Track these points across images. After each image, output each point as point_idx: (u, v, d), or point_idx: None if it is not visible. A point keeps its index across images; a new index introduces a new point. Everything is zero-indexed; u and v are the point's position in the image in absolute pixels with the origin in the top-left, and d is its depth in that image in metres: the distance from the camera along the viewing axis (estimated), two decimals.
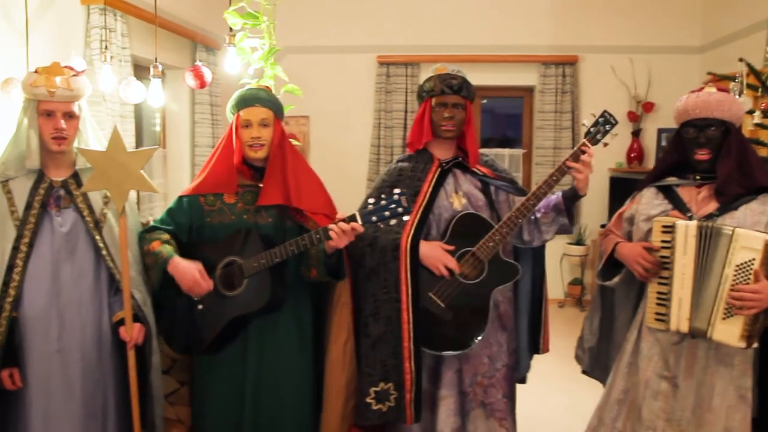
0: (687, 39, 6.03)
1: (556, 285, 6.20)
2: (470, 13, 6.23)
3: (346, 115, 6.45)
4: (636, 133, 6.09)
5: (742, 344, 2.04)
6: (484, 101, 6.72)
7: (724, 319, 2.05)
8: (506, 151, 6.42)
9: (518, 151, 6.42)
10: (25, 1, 2.73)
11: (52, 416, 2.21)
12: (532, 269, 2.75)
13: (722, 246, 2.06)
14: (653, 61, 6.02)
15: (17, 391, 2.18)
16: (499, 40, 6.19)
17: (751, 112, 2.97)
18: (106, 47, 3.17)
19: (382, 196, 2.18)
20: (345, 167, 6.28)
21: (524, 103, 6.49)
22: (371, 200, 2.18)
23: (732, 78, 3.05)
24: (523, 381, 2.84)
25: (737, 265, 2.04)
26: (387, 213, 2.15)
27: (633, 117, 6.07)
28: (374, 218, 2.16)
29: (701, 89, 2.22)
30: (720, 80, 3.49)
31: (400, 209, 2.14)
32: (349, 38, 6.35)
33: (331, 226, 2.18)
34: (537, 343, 2.75)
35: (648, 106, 6.02)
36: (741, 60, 2.92)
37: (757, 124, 3.02)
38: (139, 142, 5.14)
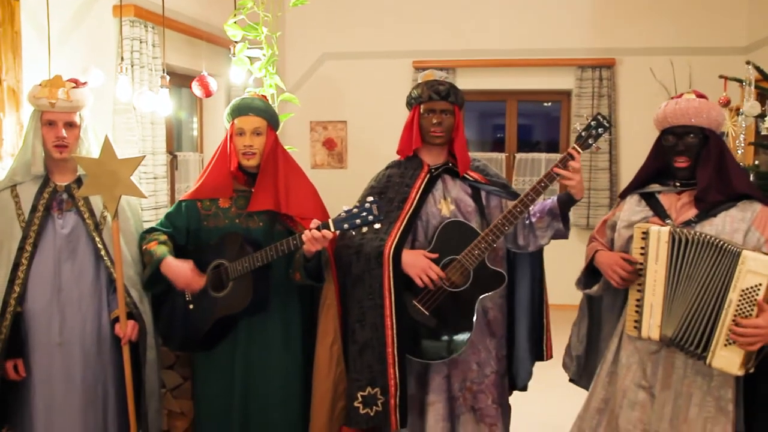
0: (731, 39, 5.82)
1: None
2: (505, 17, 6.21)
3: (383, 119, 6.51)
4: None
5: (741, 372, 1.98)
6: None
7: (725, 346, 1.97)
8: (543, 155, 6.35)
9: (555, 155, 6.34)
10: (47, 14, 2.92)
11: (54, 405, 2.38)
12: (530, 274, 2.73)
13: (723, 263, 1.99)
14: (695, 62, 5.83)
15: (22, 381, 2.35)
16: (535, 44, 6.14)
17: (762, 116, 2.87)
18: (122, 58, 3.34)
19: (356, 204, 2.24)
20: None
21: (561, 107, 6.42)
22: (345, 208, 2.25)
23: (741, 81, 2.96)
24: (524, 389, 2.82)
25: (743, 290, 1.95)
26: (358, 221, 2.21)
27: None
28: (346, 226, 2.23)
29: (680, 96, 2.18)
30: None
31: (370, 217, 2.20)
32: (386, 44, 6.43)
33: (305, 232, 2.26)
34: (540, 350, 2.72)
35: None
36: (748, 63, 2.83)
37: None
38: (178, 147, 5.38)
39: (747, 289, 1.95)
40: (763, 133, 2.96)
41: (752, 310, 1.94)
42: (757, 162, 3.20)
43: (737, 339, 1.94)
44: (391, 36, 6.43)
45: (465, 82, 6.35)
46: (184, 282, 2.41)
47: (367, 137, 6.57)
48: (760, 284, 1.93)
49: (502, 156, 6.47)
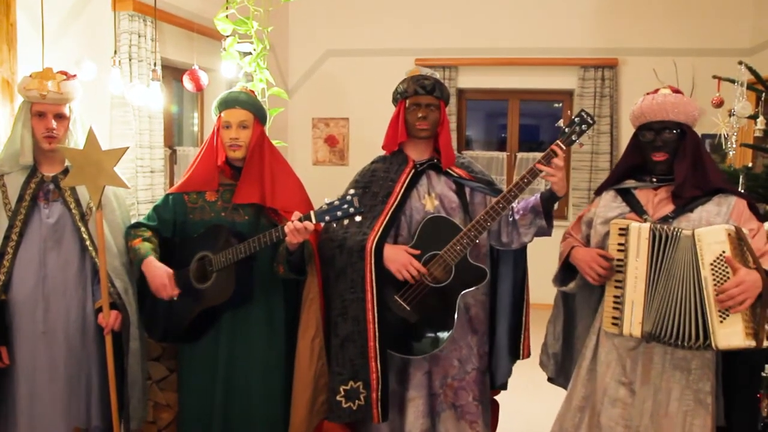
0: (735, 41, 5.79)
1: None
2: (509, 15, 6.20)
3: (385, 117, 6.46)
4: None
5: (752, 342, 1.93)
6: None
7: (721, 322, 1.95)
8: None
9: None
10: (41, 6, 2.95)
11: (38, 393, 2.41)
12: (513, 272, 2.73)
13: (685, 250, 1.99)
14: (698, 63, 5.79)
15: (5, 369, 2.38)
16: (538, 43, 6.13)
17: (754, 117, 2.86)
18: (115, 51, 3.36)
19: (338, 196, 2.25)
20: None
21: (564, 107, 6.40)
22: (327, 200, 2.26)
23: (733, 81, 2.95)
24: (503, 387, 2.82)
25: (711, 263, 1.96)
26: (339, 213, 2.23)
27: None
28: (327, 218, 2.24)
29: (656, 91, 2.19)
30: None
31: (351, 209, 2.21)
32: (389, 41, 6.44)
33: (287, 223, 2.27)
34: (517, 349, 2.73)
35: None
36: (741, 63, 2.81)
37: (765, 131, 2.89)
38: (179, 142, 5.41)
39: (714, 260, 1.96)
40: (756, 134, 2.94)
41: (728, 275, 1.95)
42: (750, 164, 3.17)
43: (728, 304, 1.92)
44: (394, 34, 6.44)
45: (467, 80, 6.37)
46: (159, 285, 2.42)
47: (369, 134, 6.54)
48: (724, 251, 1.95)
49: (504, 155, 6.46)
